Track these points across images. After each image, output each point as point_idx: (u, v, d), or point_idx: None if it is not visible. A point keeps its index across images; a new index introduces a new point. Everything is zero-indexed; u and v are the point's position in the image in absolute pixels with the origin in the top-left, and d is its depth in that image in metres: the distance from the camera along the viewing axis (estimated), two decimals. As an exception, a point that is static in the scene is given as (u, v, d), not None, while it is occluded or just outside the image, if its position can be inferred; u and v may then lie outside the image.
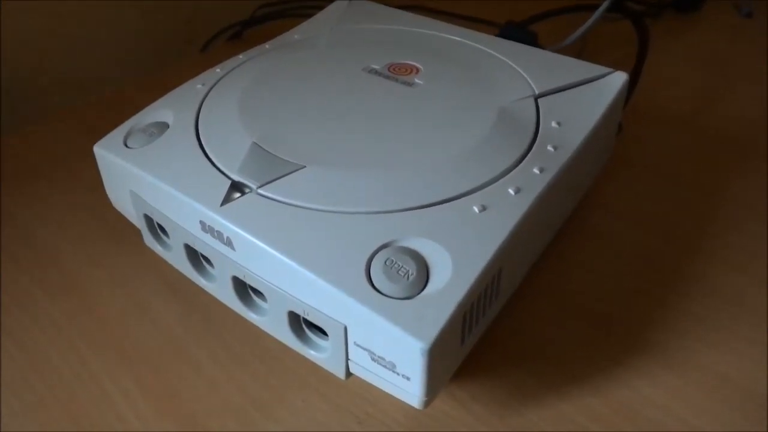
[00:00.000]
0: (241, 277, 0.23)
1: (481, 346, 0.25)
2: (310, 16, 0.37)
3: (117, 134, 0.28)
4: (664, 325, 0.27)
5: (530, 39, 0.39)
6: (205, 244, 0.24)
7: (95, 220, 0.33)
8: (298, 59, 0.31)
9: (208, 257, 0.25)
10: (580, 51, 0.46)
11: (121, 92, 0.44)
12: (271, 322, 0.24)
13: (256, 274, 0.23)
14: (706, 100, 0.41)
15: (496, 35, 0.40)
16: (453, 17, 0.45)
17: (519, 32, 0.40)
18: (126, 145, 0.27)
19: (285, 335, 0.23)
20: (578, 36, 0.41)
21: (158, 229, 0.27)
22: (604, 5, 0.40)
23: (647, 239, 0.31)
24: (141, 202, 0.26)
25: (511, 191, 0.23)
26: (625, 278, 0.29)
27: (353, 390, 0.25)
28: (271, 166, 0.24)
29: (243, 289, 0.24)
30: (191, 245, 0.25)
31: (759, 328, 0.27)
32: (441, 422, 0.24)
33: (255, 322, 0.25)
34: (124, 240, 0.31)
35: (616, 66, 0.30)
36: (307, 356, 0.23)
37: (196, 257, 0.26)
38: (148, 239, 0.27)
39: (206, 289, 0.26)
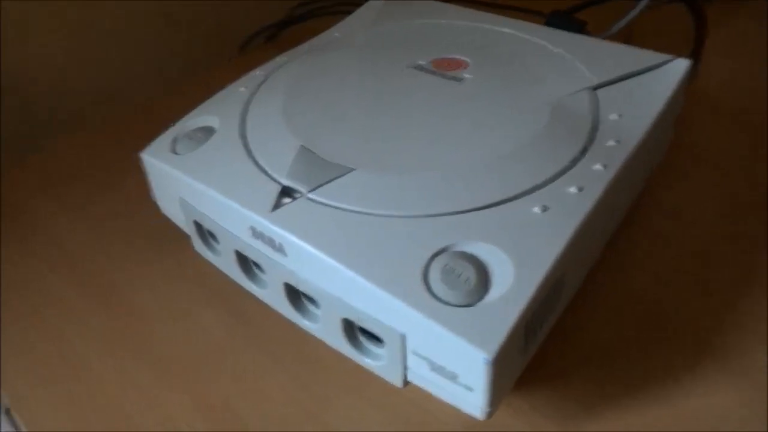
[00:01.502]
0: (293, 284, 0.23)
1: (541, 352, 0.24)
2: (346, 13, 0.36)
3: (163, 140, 0.28)
4: (728, 328, 0.25)
5: (578, 27, 0.38)
6: (256, 250, 0.23)
7: (135, 231, 0.33)
8: (340, 58, 0.30)
9: (259, 264, 0.24)
10: (627, 39, 0.44)
11: (158, 100, 0.44)
12: (325, 329, 0.23)
13: (309, 281, 0.22)
14: (759, 91, 0.39)
15: (546, 21, 0.39)
16: (494, 7, 0.44)
17: (566, 21, 0.38)
18: (173, 151, 0.27)
19: (339, 343, 0.23)
20: (626, 23, 0.39)
21: (208, 236, 0.27)
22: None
23: (707, 236, 0.29)
24: (190, 209, 0.26)
25: (572, 190, 0.22)
26: (684, 278, 0.27)
27: (406, 397, 0.24)
28: (321, 169, 0.23)
29: (295, 296, 0.24)
30: (242, 251, 0.24)
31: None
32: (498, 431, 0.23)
33: (307, 329, 0.24)
34: (163, 249, 0.31)
35: (668, 52, 0.28)
36: (361, 364, 0.23)
37: (246, 263, 0.25)
38: (198, 245, 0.27)
39: (257, 295, 0.26)
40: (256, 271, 0.25)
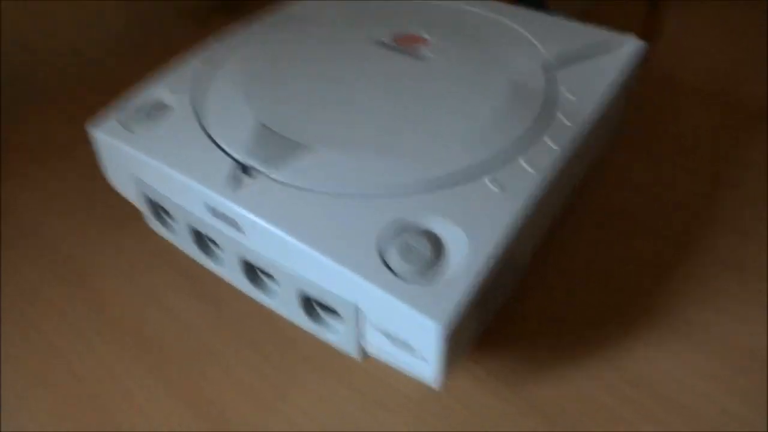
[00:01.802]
0: (250, 260, 0.23)
1: (496, 321, 0.25)
2: None
3: (113, 114, 0.27)
4: (680, 296, 0.27)
5: (538, 3, 0.38)
6: (213, 227, 0.23)
7: (96, 206, 0.32)
8: (301, 31, 0.30)
9: (216, 241, 0.24)
10: (587, 14, 0.45)
11: (110, 69, 0.43)
12: (283, 304, 0.23)
13: (266, 257, 0.22)
14: (725, 70, 0.40)
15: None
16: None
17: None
18: (125, 128, 0.26)
19: (297, 317, 0.23)
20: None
21: (162, 213, 0.26)
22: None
23: (662, 210, 0.30)
24: (144, 186, 0.25)
25: (527, 167, 0.22)
26: (639, 250, 0.28)
27: (368, 371, 0.24)
28: (279, 148, 0.23)
29: (252, 272, 0.24)
30: (198, 229, 0.24)
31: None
32: (458, 398, 0.23)
33: (265, 304, 0.24)
34: (126, 225, 0.31)
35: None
36: (320, 337, 0.23)
37: (202, 240, 0.25)
38: (152, 222, 0.27)
39: (214, 271, 0.26)
40: (213, 247, 0.25)
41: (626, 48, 0.29)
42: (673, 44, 0.42)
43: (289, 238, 0.21)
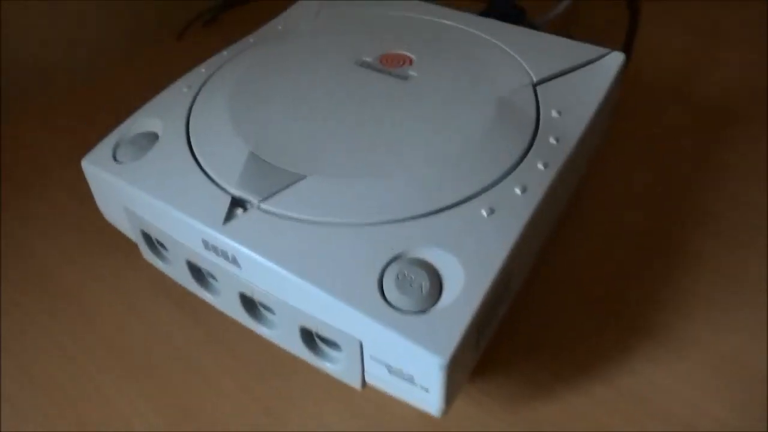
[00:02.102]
0: (248, 294, 0.23)
1: (490, 341, 0.25)
2: (284, 1, 0.36)
3: (105, 146, 0.27)
4: (668, 307, 0.27)
5: (518, 14, 0.38)
6: (209, 261, 0.23)
7: (86, 230, 0.32)
8: (286, 54, 0.30)
9: (213, 274, 0.24)
10: (567, 19, 0.45)
11: (95, 86, 0.42)
12: (282, 336, 0.24)
13: (265, 291, 0.22)
14: (697, 68, 0.41)
15: (483, 11, 0.39)
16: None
17: (506, 8, 0.39)
18: (115, 159, 0.26)
19: (297, 348, 0.23)
20: (563, 7, 0.40)
21: (157, 244, 0.26)
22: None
23: (646, 219, 0.31)
24: (137, 219, 0.25)
25: (517, 190, 0.23)
26: (625, 260, 0.29)
27: (365, 392, 0.25)
28: (271, 177, 0.23)
29: (251, 304, 0.24)
30: (193, 262, 0.24)
31: (761, 305, 0.27)
32: (453, 420, 0.24)
33: (265, 336, 0.24)
34: (119, 250, 0.31)
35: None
36: (320, 368, 0.23)
37: (199, 272, 0.25)
38: (147, 254, 0.27)
39: (211, 302, 0.26)
40: (209, 279, 0.25)
41: (608, 61, 0.29)
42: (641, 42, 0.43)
43: (284, 272, 0.21)
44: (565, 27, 0.45)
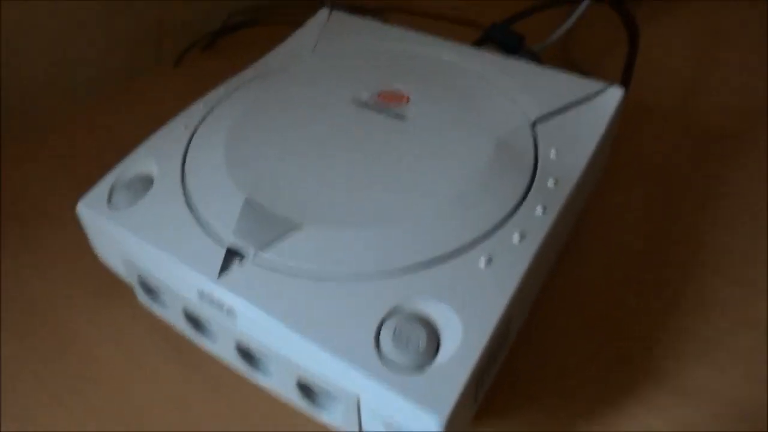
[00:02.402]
0: (244, 345, 0.23)
1: (489, 386, 0.25)
2: (282, 23, 0.35)
3: (100, 190, 0.27)
4: (668, 349, 0.27)
5: (516, 42, 0.38)
6: (205, 311, 0.23)
7: (83, 273, 0.32)
8: (282, 93, 0.30)
9: (209, 323, 0.24)
10: (565, 43, 0.45)
11: (93, 115, 0.42)
12: (279, 387, 0.23)
13: (262, 344, 0.22)
14: (696, 89, 0.41)
15: (479, 37, 0.39)
16: (434, 18, 0.44)
17: (504, 35, 0.38)
18: (110, 204, 0.26)
19: (294, 399, 0.23)
20: (562, 32, 0.40)
21: (153, 290, 0.26)
22: (585, 3, 0.39)
23: (646, 253, 0.31)
24: (133, 265, 0.25)
25: (515, 238, 0.23)
26: (626, 299, 0.29)
27: None
28: (267, 226, 0.23)
29: (247, 353, 0.24)
30: (189, 311, 0.24)
31: (762, 345, 0.27)
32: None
33: (262, 384, 0.24)
34: (114, 293, 0.30)
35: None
36: (317, 419, 0.23)
37: (195, 320, 0.25)
38: (143, 298, 0.27)
39: (207, 349, 0.25)
40: (206, 326, 0.25)
41: (607, 96, 0.29)
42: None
43: (281, 326, 0.21)
44: (565, 49, 0.45)
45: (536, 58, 0.40)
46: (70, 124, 0.41)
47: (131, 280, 0.26)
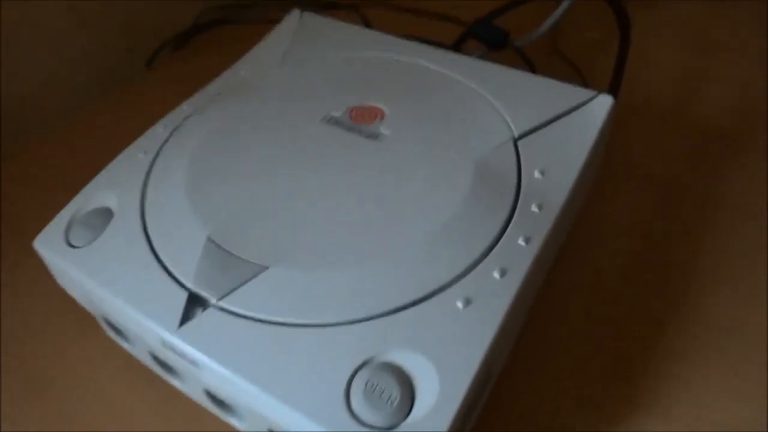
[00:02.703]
0: (212, 392, 0.22)
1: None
2: (254, 21, 0.33)
3: (56, 226, 0.25)
4: (659, 369, 0.26)
5: (501, 38, 0.36)
6: (170, 358, 0.22)
7: (54, 305, 0.30)
8: (248, 114, 0.28)
9: (176, 368, 0.23)
10: (554, 36, 0.43)
11: (69, 128, 0.40)
12: (252, 429, 0.22)
13: (228, 394, 0.21)
14: (690, 85, 0.39)
15: (462, 34, 0.37)
16: (415, 13, 0.41)
17: (488, 31, 0.36)
18: (68, 241, 0.24)
19: (268, 446, 0.22)
20: (550, 25, 0.38)
21: (119, 329, 0.25)
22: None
23: (644, 254, 0.29)
24: (96, 306, 0.24)
25: (495, 274, 0.21)
26: (620, 311, 0.27)
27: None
28: (231, 269, 0.22)
29: (218, 399, 0.23)
30: (155, 356, 0.23)
31: (760, 366, 0.25)
32: None
33: (234, 426, 0.23)
34: (87, 327, 0.29)
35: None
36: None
37: (163, 362, 0.24)
38: (110, 334, 0.25)
39: (179, 388, 0.24)
40: (174, 369, 0.24)
41: (596, 106, 0.27)
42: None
43: (245, 382, 0.19)
44: (553, 43, 0.43)
45: (523, 54, 0.38)
46: (46, 141, 0.40)
47: (97, 316, 0.25)
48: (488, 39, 0.36)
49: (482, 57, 0.36)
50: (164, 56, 0.45)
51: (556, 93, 0.27)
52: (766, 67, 0.39)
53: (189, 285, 0.21)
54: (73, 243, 0.24)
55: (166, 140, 0.27)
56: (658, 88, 0.39)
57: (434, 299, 0.20)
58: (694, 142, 0.35)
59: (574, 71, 0.40)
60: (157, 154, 0.27)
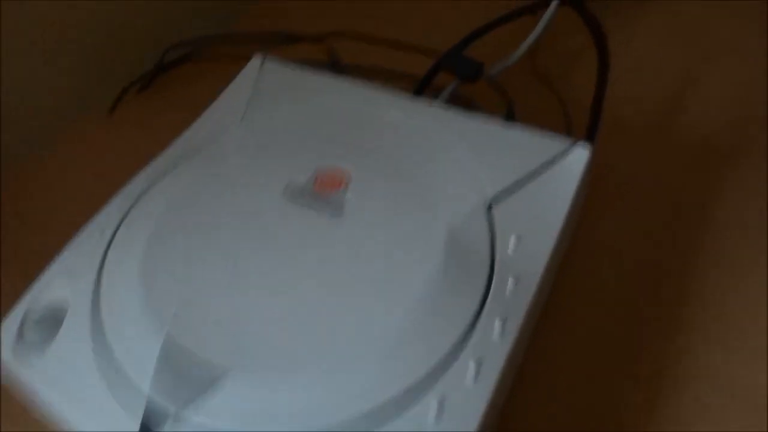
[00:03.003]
0: None
1: None
2: (217, 58, 0.32)
3: (11, 322, 0.23)
4: (653, 414, 0.24)
5: (474, 70, 0.34)
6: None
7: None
8: (208, 186, 0.26)
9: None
10: (533, 51, 0.41)
11: (18, 181, 0.38)
12: None
13: None
14: (677, 97, 0.37)
15: (432, 68, 0.35)
16: (386, 45, 0.39)
17: (459, 62, 0.35)
18: (23, 340, 0.23)
19: None
20: (525, 48, 0.36)
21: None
22: (550, 11, 0.35)
23: (627, 308, 0.28)
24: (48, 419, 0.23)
25: (470, 371, 0.20)
26: (612, 352, 0.26)
27: None
28: (189, 377, 0.20)
29: None
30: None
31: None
32: None
33: None
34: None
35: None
36: None
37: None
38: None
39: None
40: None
41: (573, 158, 0.25)
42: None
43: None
44: (531, 58, 0.41)
45: (497, 85, 0.36)
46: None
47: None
48: (460, 72, 0.35)
49: (455, 91, 0.35)
50: (129, 99, 0.43)
51: (529, 145, 0.26)
52: (766, 68, 0.38)
53: (146, 394, 0.20)
54: (27, 343, 0.23)
55: (124, 217, 0.26)
56: (651, 93, 0.37)
57: (405, 414, 0.19)
58: (681, 157, 0.33)
59: (552, 93, 0.38)
60: (114, 235, 0.25)
